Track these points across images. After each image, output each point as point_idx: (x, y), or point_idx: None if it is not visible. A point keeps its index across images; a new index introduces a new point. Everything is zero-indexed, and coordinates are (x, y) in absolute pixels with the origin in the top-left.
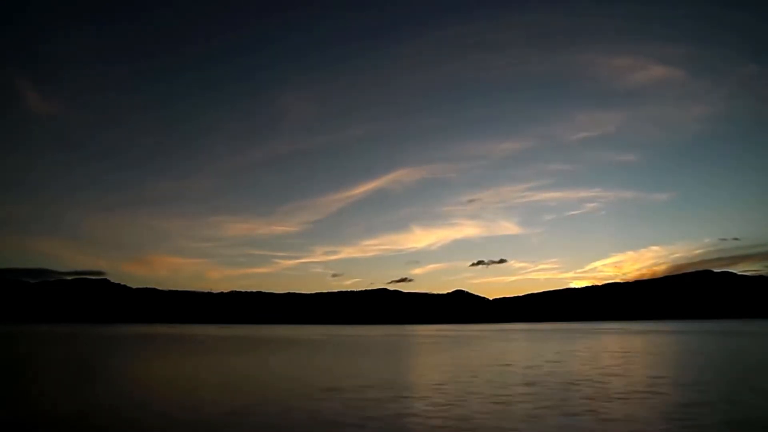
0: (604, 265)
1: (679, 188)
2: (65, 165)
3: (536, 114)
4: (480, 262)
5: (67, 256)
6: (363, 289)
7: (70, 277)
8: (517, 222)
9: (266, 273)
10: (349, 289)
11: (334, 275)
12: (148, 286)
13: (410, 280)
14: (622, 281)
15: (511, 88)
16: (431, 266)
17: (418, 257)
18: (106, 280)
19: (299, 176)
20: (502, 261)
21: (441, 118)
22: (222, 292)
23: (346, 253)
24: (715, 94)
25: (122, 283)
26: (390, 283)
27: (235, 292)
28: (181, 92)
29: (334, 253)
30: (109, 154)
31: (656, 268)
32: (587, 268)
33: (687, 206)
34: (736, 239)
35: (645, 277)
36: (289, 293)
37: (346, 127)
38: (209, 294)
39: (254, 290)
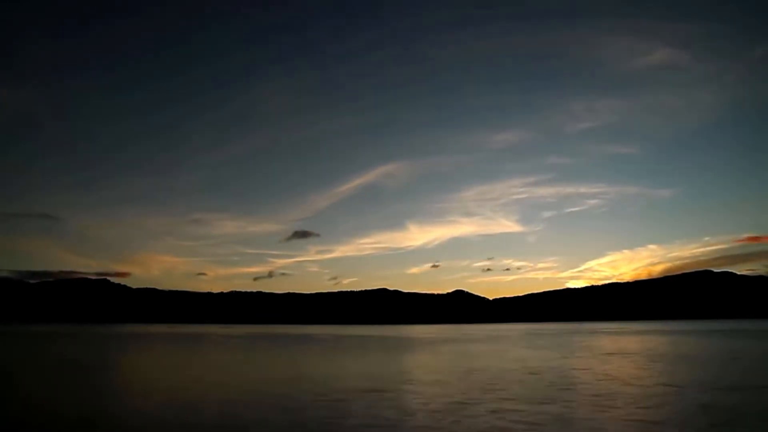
0: (599, 264)
1: (683, 184)
2: (52, 166)
3: (532, 103)
4: (503, 273)
5: (53, 256)
6: (362, 289)
7: (53, 278)
8: (515, 220)
9: (262, 272)
10: (348, 289)
11: (331, 276)
12: (148, 286)
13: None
14: (621, 281)
15: (502, 73)
16: (429, 265)
17: (415, 256)
18: (105, 280)
19: (284, 171)
20: (506, 268)
21: (430, 108)
22: (222, 292)
23: (341, 252)
24: (723, 79)
25: (122, 283)
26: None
27: (235, 292)
28: (162, 89)
29: (329, 252)
30: (92, 153)
31: (652, 268)
32: (583, 267)
33: (691, 203)
34: (753, 238)
35: (641, 277)
36: (288, 293)
37: (330, 119)
38: (209, 294)
39: (254, 290)
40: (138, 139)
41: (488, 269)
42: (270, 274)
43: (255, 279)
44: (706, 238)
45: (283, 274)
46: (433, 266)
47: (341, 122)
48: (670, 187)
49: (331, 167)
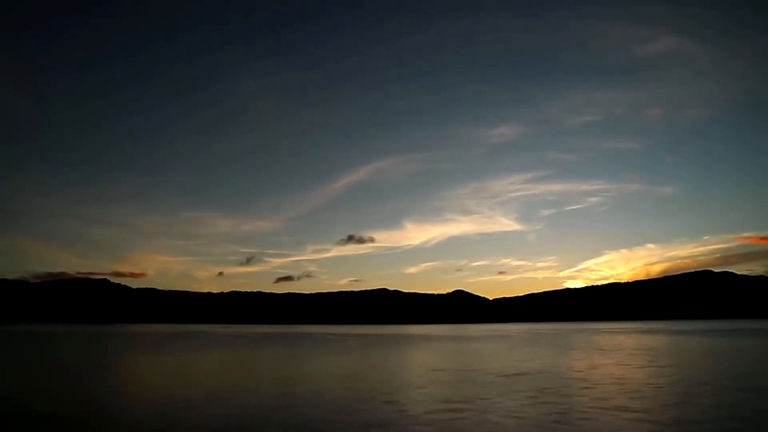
0: (596, 264)
1: (684, 180)
2: (46, 166)
3: (529, 95)
4: (502, 272)
5: (53, 256)
6: (362, 289)
7: (45, 279)
8: (514, 218)
9: (259, 272)
10: (347, 289)
11: (329, 276)
12: (148, 286)
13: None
14: (621, 281)
15: (497, 64)
16: (426, 265)
17: (414, 255)
18: (105, 280)
19: (278, 169)
20: (506, 268)
21: (423, 102)
22: (222, 292)
23: (337, 251)
24: (727, 71)
25: (122, 283)
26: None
27: (236, 292)
28: (149, 88)
29: (326, 251)
30: (83, 153)
31: (650, 268)
32: (580, 267)
33: (691, 200)
34: (754, 238)
35: (639, 277)
36: (288, 293)
37: (321, 114)
38: (209, 294)
39: (255, 290)
40: (129, 137)
41: (488, 269)
42: (298, 277)
43: (275, 281)
44: (706, 237)
45: (308, 276)
46: (457, 270)
47: (333, 117)
48: (671, 184)
49: (324, 164)
